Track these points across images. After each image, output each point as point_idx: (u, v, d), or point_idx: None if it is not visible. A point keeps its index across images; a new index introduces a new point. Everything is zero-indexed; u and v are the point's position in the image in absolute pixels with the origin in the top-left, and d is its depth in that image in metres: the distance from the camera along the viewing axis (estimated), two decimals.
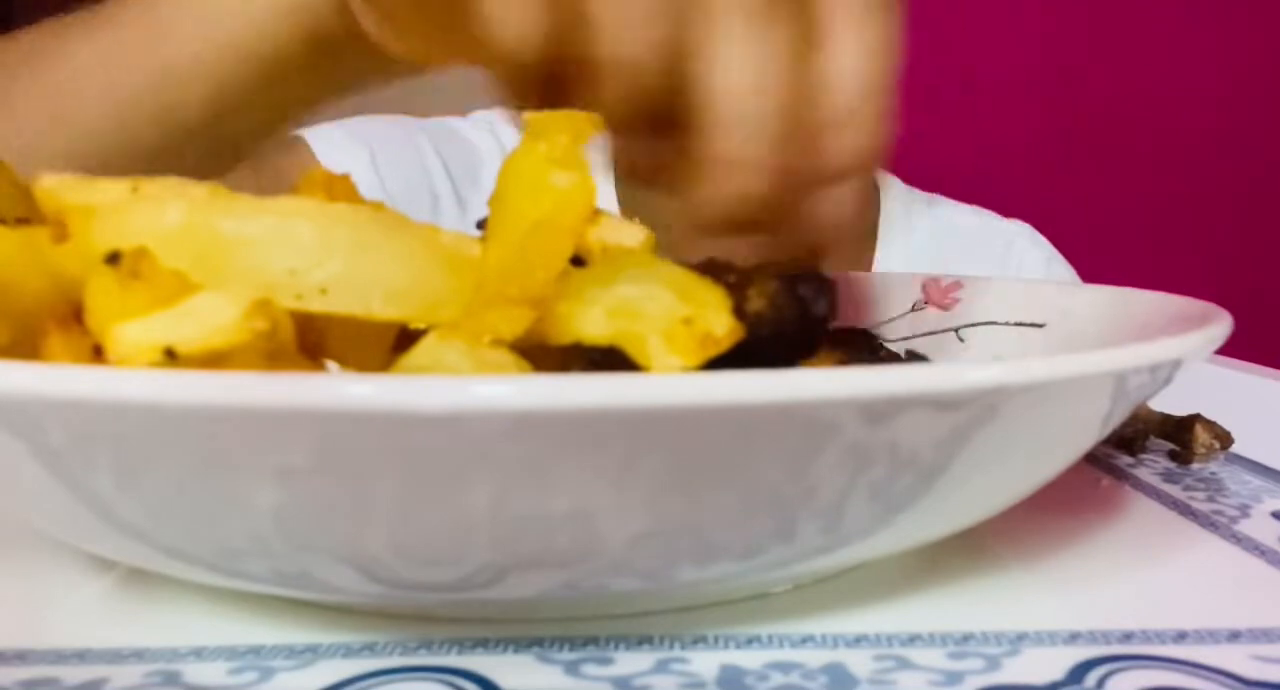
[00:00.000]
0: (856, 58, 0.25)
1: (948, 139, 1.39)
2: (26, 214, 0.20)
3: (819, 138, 0.25)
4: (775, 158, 0.24)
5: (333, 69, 0.37)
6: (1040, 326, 0.33)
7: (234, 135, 0.39)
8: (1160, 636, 0.19)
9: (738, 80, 0.24)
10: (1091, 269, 0.78)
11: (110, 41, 0.37)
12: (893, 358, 0.27)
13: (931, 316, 0.37)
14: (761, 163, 0.24)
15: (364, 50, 0.35)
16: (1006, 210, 0.79)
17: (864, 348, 0.27)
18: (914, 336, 0.37)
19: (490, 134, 0.74)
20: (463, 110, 0.75)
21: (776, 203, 0.25)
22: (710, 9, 0.24)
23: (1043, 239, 0.78)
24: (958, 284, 0.37)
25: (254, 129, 0.40)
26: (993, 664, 0.18)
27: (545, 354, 0.19)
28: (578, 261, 0.21)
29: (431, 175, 0.70)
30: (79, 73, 0.37)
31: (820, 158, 0.25)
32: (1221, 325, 0.22)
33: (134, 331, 0.16)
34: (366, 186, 0.67)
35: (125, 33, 0.37)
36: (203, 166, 0.38)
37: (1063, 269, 0.77)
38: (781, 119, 0.24)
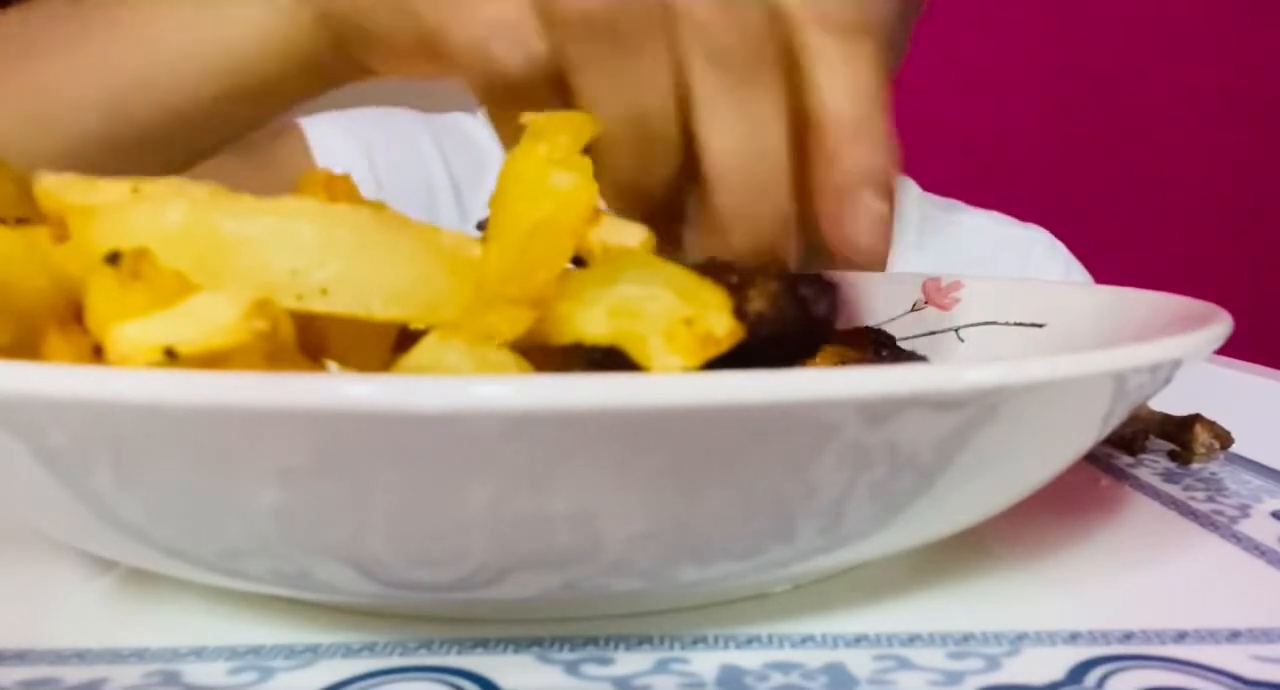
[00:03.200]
0: (844, 91, 0.25)
1: (962, 143, 1.39)
2: (26, 214, 0.20)
3: (824, 169, 0.25)
4: (777, 208, 0.25)
5: (316, 85, 0.37)
6: (1040, 326, 0.33)
7: (207, 137, 0.39)
8: (1160, 636, 0.19)
9: (730, 143, 0.25)
10: (1093, 271, 0.78)
11: (90, 50, 0.37)
12: (897, 356, 0.27)
13: (931, 316, 0.37)
14: (763, 215, 0.25)
15: (350, 69, 0.35)
16: (1016, 213, 0.79)
17: (869, 345, 0.26)
18: (914, 336, 0.37)
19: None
20: (473, 107, 0.75)
21: (783, 245, 0.26)
22: (694, 72, 0.25)
23: (1061, 245, 0.77)
24: (958, 284, 0.37)
25: (226, 134, 0.40)
26: (993, 664, 0.18)
27: (545, 354, 0.19)
28: (578, 262, 0.21)
29: (430, 171, 0.70)
30: (62, 75, 0.37)
31: (830, 184, 0.25)
32: (1221, 325, 0.22)
33: (134, 331, 0.16)
34: (359, 179, 0.67)
35: (102, 45, 0.37)
36: (178, 161, 0.38)
37: (1080, 275, 0.77)
38: (777, 172, 0.25)
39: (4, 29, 0.39)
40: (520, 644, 0.19)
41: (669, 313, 0.18)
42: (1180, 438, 0.31)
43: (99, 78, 0.37)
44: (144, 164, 0.36)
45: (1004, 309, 0.35)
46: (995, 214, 0.79)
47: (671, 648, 0.19)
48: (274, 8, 0.35)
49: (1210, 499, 0.27)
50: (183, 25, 0.36)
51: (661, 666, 0.18)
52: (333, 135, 0.66)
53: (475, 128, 0.73)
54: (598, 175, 0.23)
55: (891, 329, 0.37)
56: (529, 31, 0.25)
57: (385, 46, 0.31)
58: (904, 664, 0.18)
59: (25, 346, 0.18)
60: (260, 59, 0.35)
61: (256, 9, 0.35)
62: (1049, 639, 0.19)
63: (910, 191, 0.77)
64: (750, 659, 0.18)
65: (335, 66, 0.35)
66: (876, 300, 0.38)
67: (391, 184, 0.67)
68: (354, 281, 0.18)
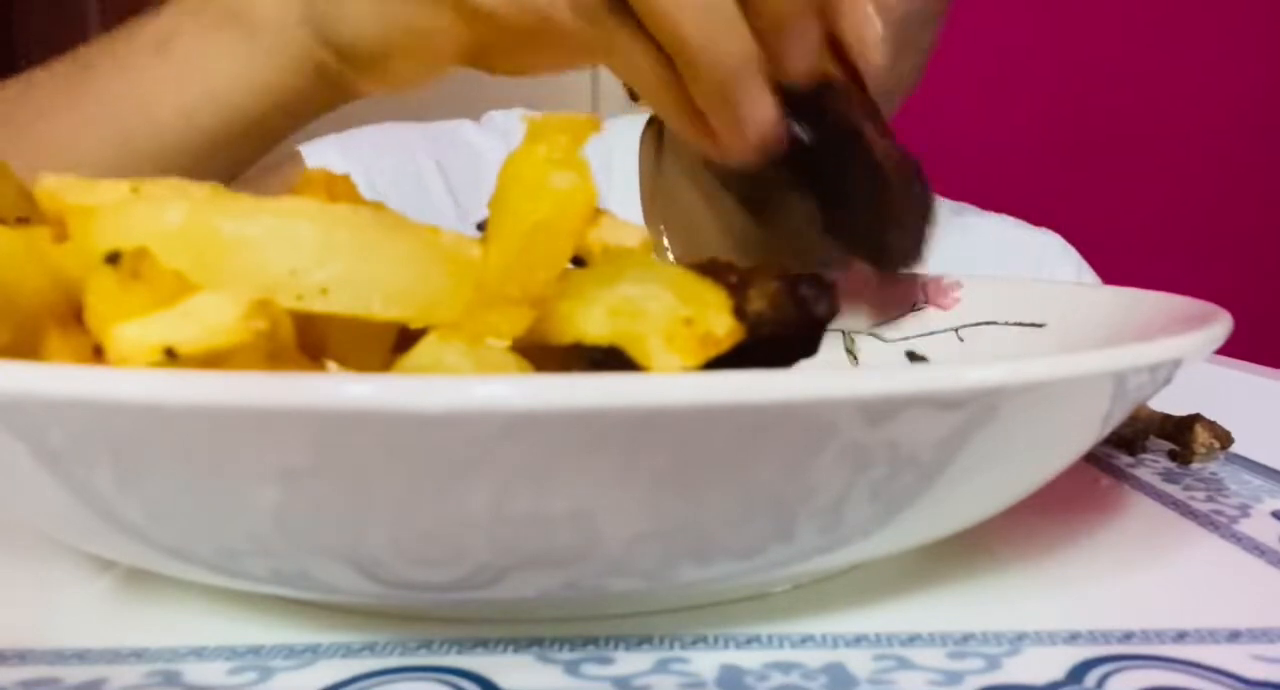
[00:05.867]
0: None
1: (974, 147, 1.39)
2: (26, 214, 0.20)
3: None
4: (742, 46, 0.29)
5: (306, 114, 0.41)
6: (1040, 326, 0.33)
7: (217, 167, 0.42)
8: (1160, 636, 0.19)
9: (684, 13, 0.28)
10: (1103, 274, 0.78)
11: (96, 109, 0.40)
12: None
13: (931, 316, 0.37)
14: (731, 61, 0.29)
15: (342, 93, 0.38)
16: (1028, 218, 0.79)
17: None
18: (914, 336, 0.37)
19: (501, 139, 0.74)
20: (477, 113, 0.75)
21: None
22: None
23: (1072, 249, 0.77)
24: (958, 284, 0.37)
25: (236, 162, 0.43)
26: (993, 664, 0.18)
27: (545, 354, 0.19)
28: (578, 262, 0.21)
29: (428, 184, 0.70)
30: (72, 131, 0.40)
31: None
32: (1221, 325, 0.22)
33: (134, 331, 0.16)
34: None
35: (105, 104, 0.40)
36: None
37: (1091, 279, 0.77)
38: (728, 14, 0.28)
39: (15, 91, 0.42)
40: (520, 644, 0.19)
41: (669, 313, 0.18)
42: (1180, 438, 0.31)
43: (104, 134, 0.40)
44: None
45: (1004, 309, 0.35)
46: (1007, 218, 0.79)
47: (671, 648, 0.19)
48: (259, 47, 0.37)
49: (1210, 499, 0.27)
50: (171, 80, 0.39)
51: (661, 666, 0.18)
52: (333, 158, 0.67)
53: (472, 134, 0.74)
54: None
55: (891, 328, 0.37)
56: None
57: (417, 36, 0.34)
58: (904, 664, 0.18)
59: (25, 346, 0.18)
60: (248, 103, 0.38)
61: (244, 53, 0.38)
62: (1049, 639, 0.19)
63: None
64: (750, 659, 0.18)
65: (320, 95, 0.38)
66: (877, 299, 0.38)
67: (392, 199, 0.67)
68: (354, 281, 0.18)
